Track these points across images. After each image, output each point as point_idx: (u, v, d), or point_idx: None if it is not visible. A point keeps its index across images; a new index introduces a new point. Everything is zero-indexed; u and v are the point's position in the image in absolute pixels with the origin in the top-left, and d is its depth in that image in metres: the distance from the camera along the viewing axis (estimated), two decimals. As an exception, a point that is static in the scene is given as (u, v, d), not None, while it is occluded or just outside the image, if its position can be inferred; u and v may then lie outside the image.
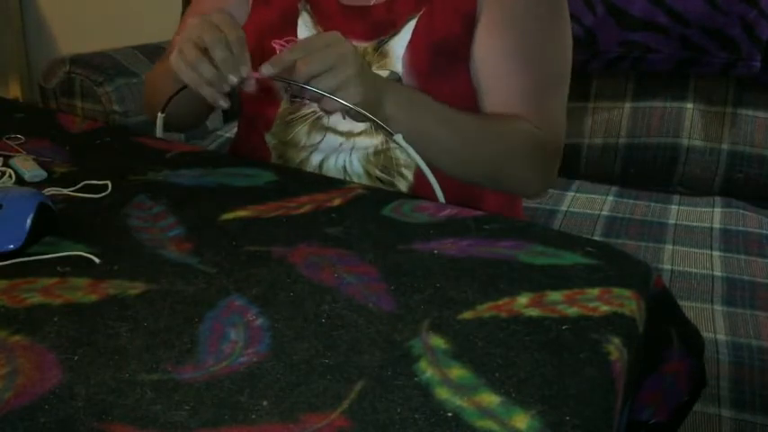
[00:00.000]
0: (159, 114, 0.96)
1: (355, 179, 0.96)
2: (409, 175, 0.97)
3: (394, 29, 0.95)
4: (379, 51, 0.95)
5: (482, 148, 0.92)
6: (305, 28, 0.99)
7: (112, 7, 2.35)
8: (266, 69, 0.81)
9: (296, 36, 0.99)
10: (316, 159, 0.98)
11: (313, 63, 0.80)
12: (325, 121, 0.97)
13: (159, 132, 0.98)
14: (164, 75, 0.96)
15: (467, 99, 0.96)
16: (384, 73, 0.94)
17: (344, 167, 0.97)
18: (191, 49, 0.82)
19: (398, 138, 0.86)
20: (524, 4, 0.95)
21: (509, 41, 0.94)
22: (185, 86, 0.86)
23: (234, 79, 0.81)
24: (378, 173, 0.96)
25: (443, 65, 0.94)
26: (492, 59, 0.95)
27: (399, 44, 0.95)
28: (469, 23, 0.94)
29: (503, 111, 0.96)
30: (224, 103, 0.83)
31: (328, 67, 0.80)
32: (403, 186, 0.97)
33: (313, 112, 0.97)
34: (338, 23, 0.97)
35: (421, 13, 0.94)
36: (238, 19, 1.01)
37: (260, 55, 0.98)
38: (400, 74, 0.94)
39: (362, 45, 0.96)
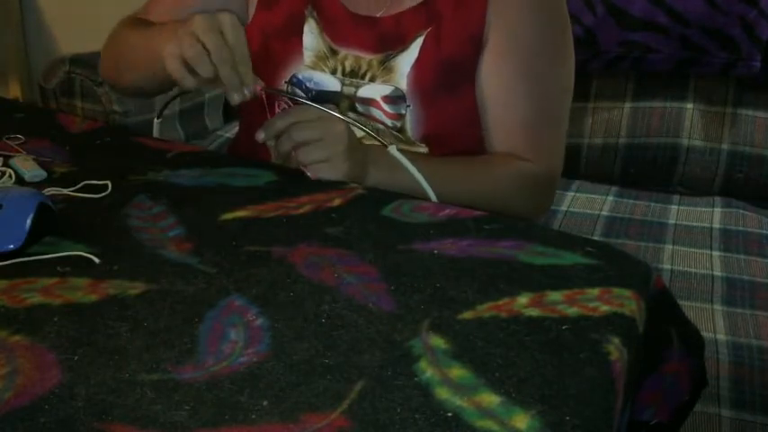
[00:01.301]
0: (156, 120, 0.97)
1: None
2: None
3: (402, 45, 0.94)
4: (385, 66, 0.95)
5: (471, 198, 0.90)
6: (311, 35, 0.99)
7: (112, 7, 2.34)
8: (259, 136, 0.85)
9: (301, 43, 0.98)
10: None
11: (304, 131, 0.83)
12: None
13: (156, 134, 0.99)
14: (144, 50, 0.92)
15: (470, 120, 0.96)
16: (388, 89, 0.94)
17: None
18: (203, 63, 0.80)
19: (392, 149, 0.88)
20: (531, 30, 0.94)
21: (513, 68, 0.94)
22: (184, 92, 0.87)
23: (237, 99, 0.82)
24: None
25: (448, 84, 0.94)
26: (496, 85, 0.95)
27: (406, 61, 0.94)
28: (477, 45, 0.94)
29: (501, 137, 0.96)
30: (237, 98, 0.83)
31: (318, 138, 0.83)
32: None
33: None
34: (345, 31, 0.97)
35: (429, 30, 0.94)
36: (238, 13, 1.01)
37: (264, 58, 0.98)
38: (404, 91, 0.94)
39: (368, 57, 0.95)
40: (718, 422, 1.03)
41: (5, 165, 0.88)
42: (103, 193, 0.82)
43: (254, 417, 0.49)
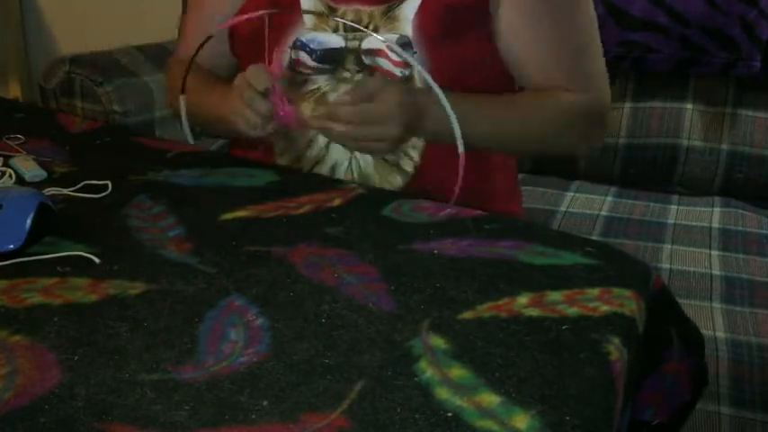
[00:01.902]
0: (181, 97, 1.01)
1: (360, 160, 0.96)
2: (416, 155, 0.97)
3: None
4: (389, 15, 0.95)
5: (526, 133, 0.97)
6: None
7: (112, 7, 2.34)
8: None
9: (299, 6, 0.98)
10: (323, 139, 0.98)
11: (357, 115, 0.87)
12: (330, 96, 0.97)
13: (185, 120, 1.04)
14: (208, 115, 1.02)
15: (477, 65, 0.96)
16: (393, 37, 0.94)
17: (353, 155, 0.97)
18: (256, 125, 0.90)
19: (419, 68, 0.91)
20: None
21: (536, 10, 0.95)
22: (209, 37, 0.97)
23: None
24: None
25: (454, 31, 0.94)
26: (521, 31, 0.96)
27: (409, 9, 0.94)
28: None
29: (540, 81, 0.98)
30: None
31: (372, 121, 0.88)
32: (408, 167, 0.97)
33: (318, 88, 0.97)
34: None
35: None
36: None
37: (261, 26, 0.97)
38: (410, 37, 0.94)
39: (369, 9, 0.95)
40: (717, 420, 1.03)
41: (5, 165, 0.88)
42: (103, 193, 0.82)
43: (254, 417, 0.49)
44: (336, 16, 0.96)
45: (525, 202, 1.20)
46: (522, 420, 0.49)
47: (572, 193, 1.54)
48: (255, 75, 0.89)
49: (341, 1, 0.96)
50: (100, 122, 1.27)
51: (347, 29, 0.96)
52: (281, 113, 0.89)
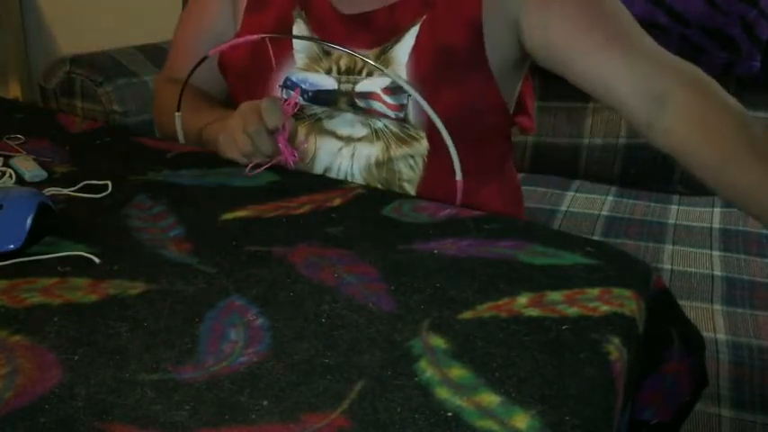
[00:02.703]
0: (177, 114, 0.99)
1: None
2: (411, 190, 0.96)
3: (396, 35, 0.93)
4: (382, 59, 0.93)
5: None
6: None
7: (112, 7, 2.35)
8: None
9: (291, 45, 0.97)
10: (319, 168, 0.97)
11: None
12: (324, 123, 0.96)
13: (180, 133, 1.02)
14: (201, 136, 1.00)
15: (474, 108, 0.95)
16: (387, 80, 0.92)
17: (346, 178, 0.96)
18: (245, 144, 0.88)
19: (416, 95, 0.89)
20: None
21: (571, 29, 0.91)
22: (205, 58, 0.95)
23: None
24: (379, 187, 0.95)
25: (449, 73, 0.93)
26: (576, 56, 0.91)
27: (402, 51, 0.93)
28: (475, 29, 0.92)
29: (624, 87, 0.90)
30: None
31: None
32: (410, 189, 0.96)
33: (313, 114, 0.97)
34: (337, 33, 0.96)
35: (424, 18, 0.93)
36: (225, 23, 1.03)
37: (255, 63, 0.97)
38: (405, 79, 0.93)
39: (365, 53, 0.94)
40: (717, 422, 1.03)
41: (5, 165, 0.88)
42: (103, 193, 0.82)
43: (254, 417, 0.49)
44: (331, 59, 0.96)
45: (525, 202, 1.20)
46: (522, 420, 0.49)
47: (572, 193, 1.54)
48: (269, 110, 0.85)
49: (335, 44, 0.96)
50: (100, 122, 1.27)
51: (340, 72, 0.95)
52: (286, 157, 0.87)
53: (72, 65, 1.59)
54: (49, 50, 2.50)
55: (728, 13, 1.46)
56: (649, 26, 1.49)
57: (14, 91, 2.51)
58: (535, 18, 0.92)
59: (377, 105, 0.94)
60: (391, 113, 0.94)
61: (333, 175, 0.97)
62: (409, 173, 0.95)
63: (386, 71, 0.90)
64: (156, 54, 1.72)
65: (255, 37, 0.93)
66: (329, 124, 0.96)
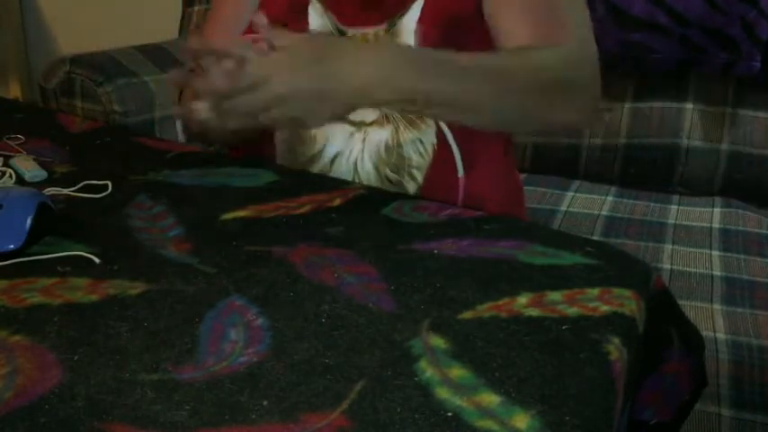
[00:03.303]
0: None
1: (364, 177, 0.96)
2: (419, 176, 0.96)
3: (403, 8, 0.95)
4: (392, 32, 0.95)
5: (511, 89, 0.84)
6: (316, 16, 0.99)
7: (112, 7, 2.35)
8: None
9: (307, 24, 0.98)
10: (328, 154, 0.98)
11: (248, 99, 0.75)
12: None
13: (180, 134, 0.99)
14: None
15: None
16: None
17: (356, 165, 0.97)
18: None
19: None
20: None
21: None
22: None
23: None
24: (388, 172, 0.96)
25: (456, 39, 0.93)
26: (504, 19, 0.92)
27: (409, 21, 0.94)
28: None
29: (518, 38, 0.90)
30: None
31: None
32: (411, 188, 0.97)
33: None
34: (351, 11, 0.97)
35: None
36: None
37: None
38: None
39: (374, 29, 0.95)
40: (717, 421, 1.03)
41: (5, 165, 0.88)
42: (103, 193, 0.82)
43: (254, 417, 0.49)
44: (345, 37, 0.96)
45: (525, 201, 1.20)
46: (522, 420, 0.49)
47: (572, 193, 1.54)
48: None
49: (349, 24, 0.97)
50: (100, 122, 1.27)
51: None
52: None
53: (72, 65, 1.59)
54: (49, 50, 2.50)
55: (728, 13, 1.46)
56: (649, 26, 1.50)
57: (14, 91, 2.51)
58: None
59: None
60: None
61: (343, 160, 0.97)
62: (418, 159, 0.95)
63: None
64: (156, 54, 1.72)
65: (257, 36, 0.94)
66: None
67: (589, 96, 0.92)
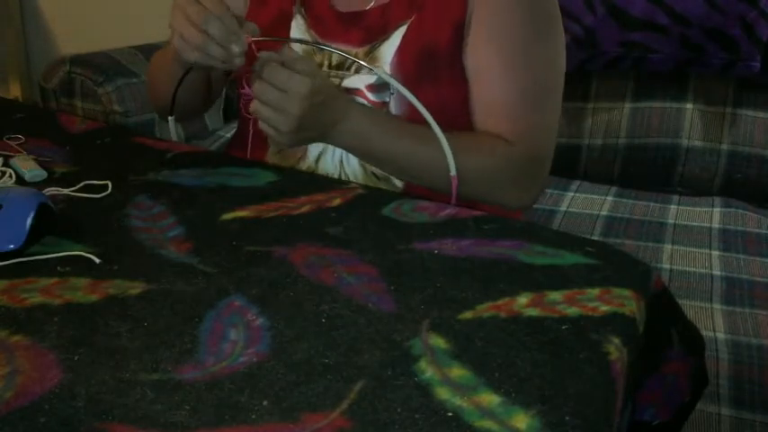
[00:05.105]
0: (170, 118, 0.97)
1: (350, 174, 0.97)
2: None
3: (385, 34, 0.96)
4: (370, 56, 0.96)
5: (444, 173, 0.90)
6: (297, 31, 1.00)
7: (112, 7, 2.35)
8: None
9: (288, 37, 0.99)
10: (313, 153, 0.98)
11: (265, 92, 0.83)
12: None
13: (174, 135, 0.99)
14: (167, 62, 0.97)
15: (453, 106, 0.96)
16: (372, 78, 0.94)
17: (341, 162, 0.97)
18: (191, 32, 0.83)
19: (408, 95, 0.88)
20: (513, 13, 0.95)
21: (495, 49, 0.94)
22: (190, 68, 0.90)
23: (236, 49, 0.83)
24: (373, 168, 0.96)
25: (431, 72, 0.95)
26: (479, 67, 0.95)
27: (389, 49, 0.95)
28: (459, 30, 0.94)
29: (482, 117, 0.96)
30: (238, 61, 0.84)
31: (274, 101, 0.83)
32: (398, 183, 0.97)
33: None
34: (332, 29, 0.98)
35: (412, 19, 0.95)
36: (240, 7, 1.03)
37: (253, 54, 0.98)
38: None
39: (355, 50, 0.96)
40: (717, 421, 1.03)
41: (5, 165, 0.88)
42: (103, 193, 0.82)
43: (254, 417, 0.49)
44: (324, 54, 0.97)
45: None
46: (522, 420, 0.49)
47: (572, 193, 1.54)
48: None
49: (329, 41, 0.98)
50: (100, 122, 1.27)
51: (331, 66, 0.97)
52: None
53: (72, 65, 1.59)
54: (49, 50, 2.50)
55: (728, 13, 1.46)
56: (649, 26, 1.50)
57: (14, 91, 2.51)
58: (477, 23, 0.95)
59: (361, 101, 0.95)
60: (396, 83, 0.94)
61: (328, 158, 0.97)
62: None
63: (375, 69, 0.91)
64: (155, 54, 1.72)
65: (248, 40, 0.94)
66: None
67: (525, 194, 0.99)
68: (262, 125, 0.85)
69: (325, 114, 0.87)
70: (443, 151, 0.89)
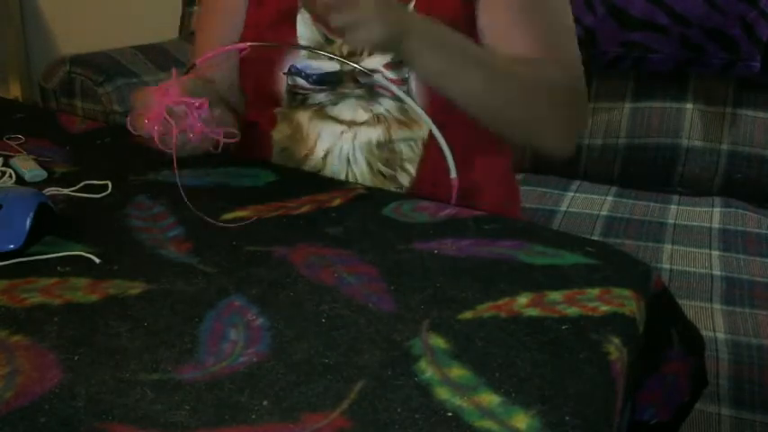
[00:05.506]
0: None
1: (357, 172, 0.96)
2: (412, 169, 0.97)
3: None
4: None
5: (513, 91, 0.91)
6: (304, 25, 0.99)
7: (112, 7, 2.35)
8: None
9: (295, 33, 0.99)
10: (320, 150, 0.98)
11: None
12: (327, 110, 0.97)
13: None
14: None
15: None
16: (389, 56, 0.93)
17: (348, 159, 0.97)
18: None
19: (378, 77, 0.89)
20: None
21: (505, 4, 0.94)
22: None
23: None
24: (380, 166, 0.96)
25: None
26: (494, 25, 0.95)
27: None
28: (469, 2, 0.94)
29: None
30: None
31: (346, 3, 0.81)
32: (405, 181, 0.97)
33: (318, 102, 0.98)
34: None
35: None
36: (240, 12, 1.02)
37: (259, 51, 0.98)
38: None
39: None
40: (717, 421, 1.03)
41: (5, 165, 0.88)
42: (103, 193, 0.82)
43: (254, 417, 0.49)
44: (334, 45, 0.96)
45: (525, 201, 1.20)
46: (522, 420, 0.49)
47: (572, 193, 1.54)
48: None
49: (338, 35, 0.97)
50: (100, 122, 1.27)
51: (344, 55, 0.96)
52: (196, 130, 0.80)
53: (72, 65, 1.59)
54: (49, 50, 2.50)
55: (728, 13, 1.46)
56: (649, 26, 1.50)
57: (14, 91, 2.51)
58: None
59: (379, 79, 0.94)
60: (393, 88, 0.94)
61: (334, 157, 0.97)
62: (409, 153, 0.96)
63: (374, 74, 0.91)
64: (156, 54, 1.72)
65: (242, 45, 0.93)
66: (332, 111, 0.97)
67: (573, 125, 0.99)
68: (346, 34, 0.82)
69: (401, 8, 0.87)
70: (495, 90, 0.89)
